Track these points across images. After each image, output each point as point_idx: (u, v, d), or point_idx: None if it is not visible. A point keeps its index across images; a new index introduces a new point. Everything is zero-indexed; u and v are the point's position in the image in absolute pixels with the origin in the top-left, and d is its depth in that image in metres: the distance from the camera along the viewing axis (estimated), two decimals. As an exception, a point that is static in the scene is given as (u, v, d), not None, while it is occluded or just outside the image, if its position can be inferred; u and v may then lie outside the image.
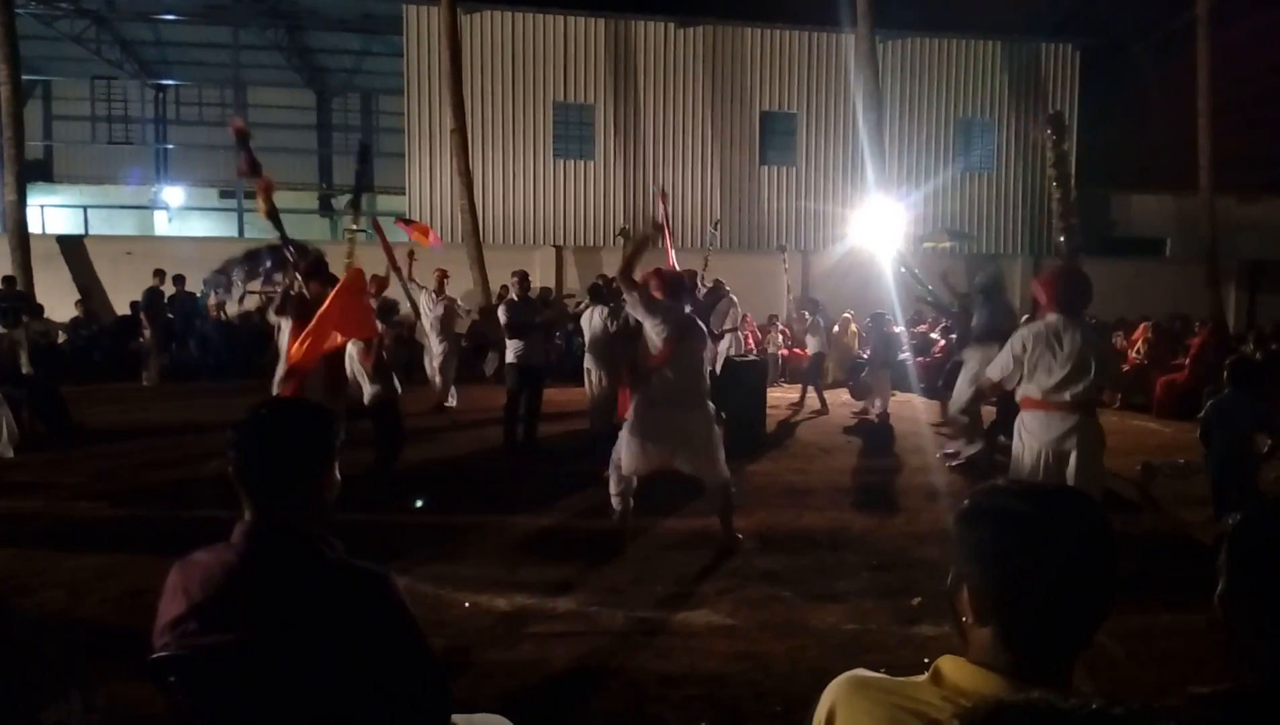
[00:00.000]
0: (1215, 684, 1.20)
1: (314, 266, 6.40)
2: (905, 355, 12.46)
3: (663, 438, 5.16)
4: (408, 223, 11.77)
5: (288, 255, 6.30)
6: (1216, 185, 17.98)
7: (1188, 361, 11.59)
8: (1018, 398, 4.73)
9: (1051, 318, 4.56)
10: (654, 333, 5.15)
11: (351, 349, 6.71)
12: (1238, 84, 20.62)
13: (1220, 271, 18.01)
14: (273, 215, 6.33)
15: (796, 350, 14.29)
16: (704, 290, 10.23)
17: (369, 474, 6.51)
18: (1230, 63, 18.48)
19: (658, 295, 5.26)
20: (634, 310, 5.28)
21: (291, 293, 6.37)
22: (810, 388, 11.67)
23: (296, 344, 5.62)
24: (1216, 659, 3.55)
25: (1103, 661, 3.63)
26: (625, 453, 5.27)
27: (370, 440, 6.89)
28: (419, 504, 5.94)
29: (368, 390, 6.89)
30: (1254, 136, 21.94)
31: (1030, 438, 4.56)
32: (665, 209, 10.71)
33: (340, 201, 24.01)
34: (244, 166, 6.28)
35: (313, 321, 5.64)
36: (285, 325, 6.28)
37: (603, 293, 8.97)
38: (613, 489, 5.39)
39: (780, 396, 12.03)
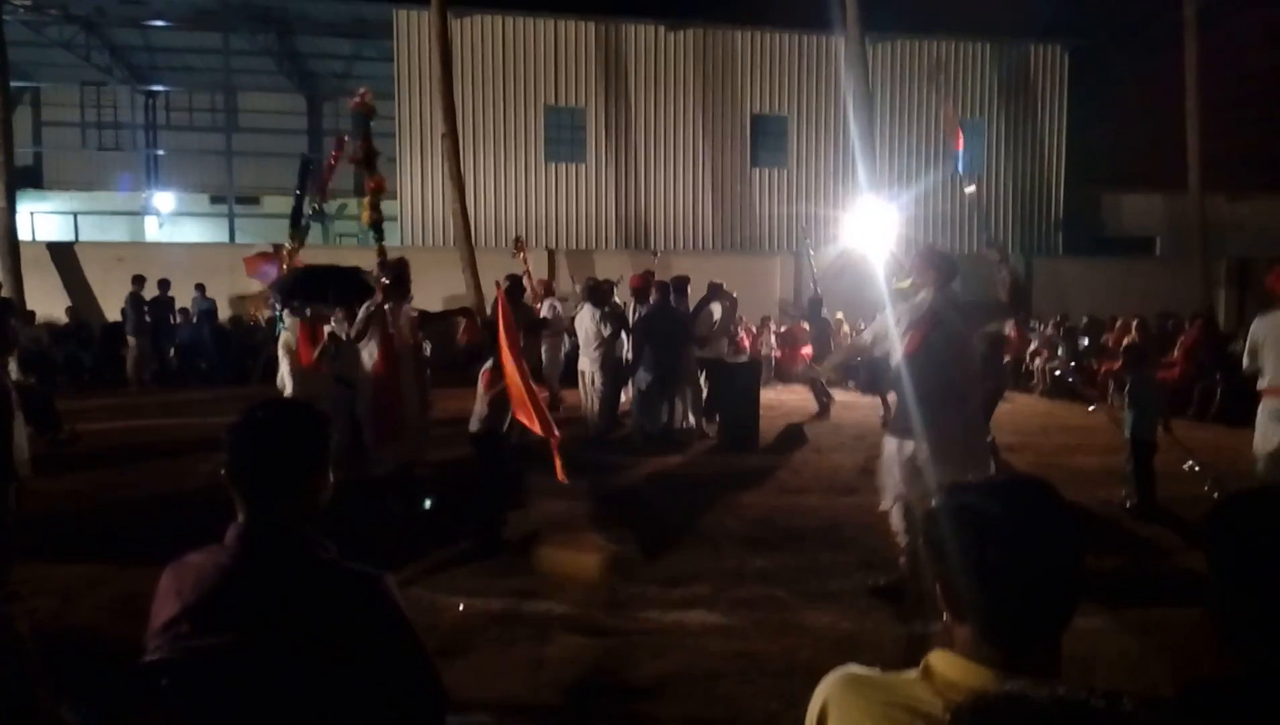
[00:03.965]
0: (1210, 675, 1.20)
1: (398, 278, 6.01)
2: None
3: (916, 444, 4.37)
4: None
5: (376, 275, 5.79)
6: (1206, 184, 18.09)
7: (1178, 359, 11.64)
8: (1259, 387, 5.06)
9: None
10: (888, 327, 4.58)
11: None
12: (1226, 84, 20.75)
13: (1210, 270, 18.12)
14: (376, 225, 5.80)
15: (803, 351, 14.21)
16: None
17: (474, 532, 5.49)
18: (1218, 63, 18.61)
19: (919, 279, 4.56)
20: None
21: (376, 310, 5.92)
22: (813, 389, 11.66)
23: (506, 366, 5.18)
24: (1212, 651, 3.56)
25: (1100, 656, 3.64)
26: (887, 472, 4.56)
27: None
28: (427, 505, 5.76)
29: (479, 415, 5.70)
30: (1242, 136, 22.08)
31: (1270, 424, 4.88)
32: None
33: (334, 208, 23.90)
34: (358, 153, 5.77)
35: (507, 339, 5.24)
36: (367, 346, 5.89)
37: (597, 295, 8.98)
38: (894, 525, 4.56)
39: (774, 397, 12.03)
